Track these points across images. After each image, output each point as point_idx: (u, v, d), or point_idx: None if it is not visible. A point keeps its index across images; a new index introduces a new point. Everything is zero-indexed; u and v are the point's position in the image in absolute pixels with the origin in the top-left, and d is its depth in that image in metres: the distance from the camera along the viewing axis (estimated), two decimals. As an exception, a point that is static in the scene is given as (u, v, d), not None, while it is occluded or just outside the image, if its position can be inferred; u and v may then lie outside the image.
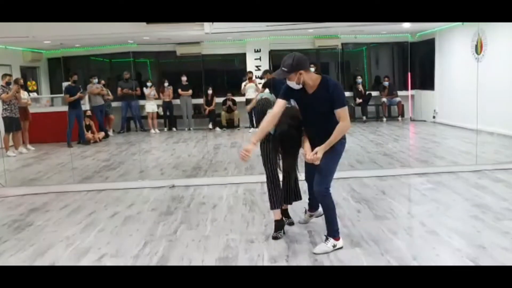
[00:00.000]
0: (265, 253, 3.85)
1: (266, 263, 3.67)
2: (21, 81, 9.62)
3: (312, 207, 4.42)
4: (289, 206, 4.59)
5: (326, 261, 3.66)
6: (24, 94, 9.59)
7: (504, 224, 4.29)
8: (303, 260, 3.70)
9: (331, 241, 3.86)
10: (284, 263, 3.65)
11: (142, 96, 11.87)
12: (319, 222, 4.54)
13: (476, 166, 6.52)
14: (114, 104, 11.55)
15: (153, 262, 3.76)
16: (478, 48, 9.47)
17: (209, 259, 3.78)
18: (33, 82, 11.25)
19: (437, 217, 4.58)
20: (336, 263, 3.62)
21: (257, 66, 11.33)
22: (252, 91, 10.98)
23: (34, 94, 10.89)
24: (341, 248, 3.89)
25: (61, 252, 4.09)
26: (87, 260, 3.86)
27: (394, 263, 3.57)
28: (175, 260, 3.79)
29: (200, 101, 11.90)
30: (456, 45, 10.74)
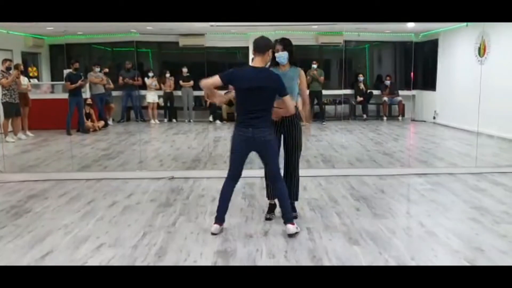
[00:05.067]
0: (264, 248, 3.85)
1: (264, 258, 3.67)
2: (22, 66, 9.59)
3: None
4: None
5: (324, 258, 3.66)
6: (24, 80, 9.57)
7: (502, 227, 4.31)
8: (301, 256, 3.71)
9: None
10: (282, 259, 3.65)
11: (143, 86, 11.84)
12: (318, 220, 4.56)
13: (476, 169, 6.53)
14: (114, 93, 11.54)
15: (152, 253, 3.76)
16: (481, 51, 9.47)
17: (208, 252, 3.78)
18: (34, 68, 11.22)
19: (436, 218, 4.59)
20: (334, 260, 3.62)
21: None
22: None
23: (34, 80, 10.86)
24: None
25: (59, 239, 4.08)
26: (85, 249, 3.85)
27: (392, 262, 3.58)
28: (173, 252, 3.79)
29: (202, 93, 11.83)
30: (459, 46, 10.74)
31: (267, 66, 4.24)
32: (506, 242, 3.96)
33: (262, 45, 4.13)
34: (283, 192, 4.20)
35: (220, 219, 4.23)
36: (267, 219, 4.56)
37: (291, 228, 4.11)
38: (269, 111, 4.15)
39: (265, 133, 4.09)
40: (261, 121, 4.08)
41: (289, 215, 4.17)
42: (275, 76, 4.11)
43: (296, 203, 4.71)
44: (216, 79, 4.08)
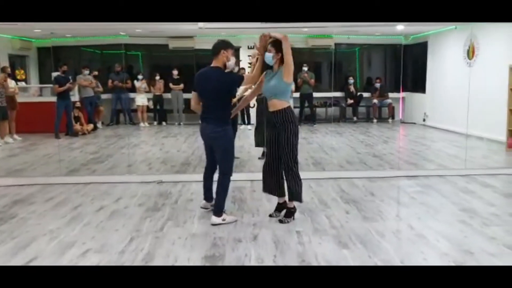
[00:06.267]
0: (252, 253, 3.81)
1: (253, 262, 3.63)
2: (9, 69, 9.48)
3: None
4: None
5: (313, 262, 3.63)
6: (11, 83, 9.46)
7: (491, 229, 4.30)
8: (290, 260, 3.67)
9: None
10: (271, 263, 3.61)
11: (133, 89, 11.76)
12: (307, 223, 4.53)
13: (465, 171, 6.54)
14: (104, 96, 11.43)
15: (138, 259, 3.70)
16: (470, 53, 9.51)
17: (195, 258, 3.73)
18: (22, 71, 11.09)
19: (425, 221, 4.58)
20: (323, 264, 3.59)
21: (250, 63, 11.27)
22: (243, 87, 10.91)
23: (22, 83, 10.73)
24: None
25: (44, 246, 4.01)
26: (71, 255, 3.79)
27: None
28: (161, 257, 3.74)
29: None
30: (448, 49, 10.78)
31: (228, 64, 4.47)
32: (495, 244, 3.95)
33: (214, 47, 4.47)
34: (219, 186, 4.52)
35: (205, 197, 4.85)
36: (270, 215, 4.70)
37: (213, 218, 4.48)
38: (221, 110, 4.43)
39: (213, 130, 4.42)
40: (212, 118, 4.44)
41: (216, 208, 4.51)
42: (225, 76, 4.41)
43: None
44: (193, 94, 4.63)
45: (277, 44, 4.40)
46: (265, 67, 4.56)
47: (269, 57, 4.43)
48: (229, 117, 4.54)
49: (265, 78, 4.57)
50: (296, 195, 4.55)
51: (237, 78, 4.52)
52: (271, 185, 4.67)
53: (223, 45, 4.45)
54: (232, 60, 4.51)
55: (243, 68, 11.33)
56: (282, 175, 4.60)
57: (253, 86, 5.08)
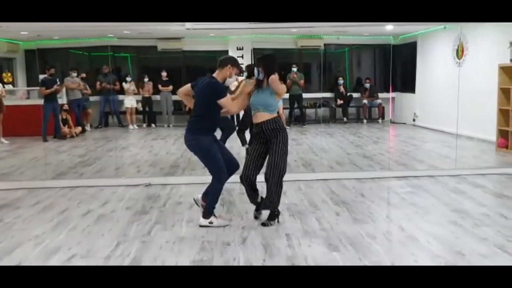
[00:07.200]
0: (241, 256, 3.75)
1: (242, 266, 3.58)
2: (-5, 72, 9.37)
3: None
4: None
5: (303, 265, 3.57)
6: (-2, 86, 9.34)
7: (482, 230, 4.28)
8: (279, 263, 3.61)
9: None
10: (260, 267, 3.56)
11: (122, 91, 11.66)
12: (297, 225, 4.48)
13: (455, 171, 6.53)
14: (92, 98, 11.32)
15: (125, 264, 3.63)
16: (459, 53, 9.53)
17: (183, 262, 3.66)
18: (9, 74, 10.97)
19: (416, 222, 4.55)
20: (313, 267, 3.54)
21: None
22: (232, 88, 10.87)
23: (9, 86, 10.60)
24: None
25: (29, 251, 3.92)
26: (56, 261, 3.71)
27: (372, 268, 3.51)
28: (148, 262, 3.66)
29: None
30: (437, 49, 10.81)
31: (228, 80, 4.45)
32: (486, 245, 3.92)
33: (223, 59, 4.48)
34: (210, 189, 4.48)
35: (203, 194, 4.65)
36: (255, 217, 4.66)
37: (201, 219, 4.46)
38: (203, 117, 4.37)
39: (187, 139, 4.40)
40: (191, 126, 4.44)
41: (205, 211, 4.45)
42: (211, 84, 4.33)
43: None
44: (187, 85, 4.53)
45: (264, 62, 4.43)
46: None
47: (256, 73, 4.43)
48: (208, 129, 4.42)
49: (254, 91, 4.50)
50: (273, 204, 4.48)
51: (222, 92, 4.34)
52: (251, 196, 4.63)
53: (232, 61, 4.47)
54: (233, 78, 4.50)
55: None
56: (255, 185, 4.56)
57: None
